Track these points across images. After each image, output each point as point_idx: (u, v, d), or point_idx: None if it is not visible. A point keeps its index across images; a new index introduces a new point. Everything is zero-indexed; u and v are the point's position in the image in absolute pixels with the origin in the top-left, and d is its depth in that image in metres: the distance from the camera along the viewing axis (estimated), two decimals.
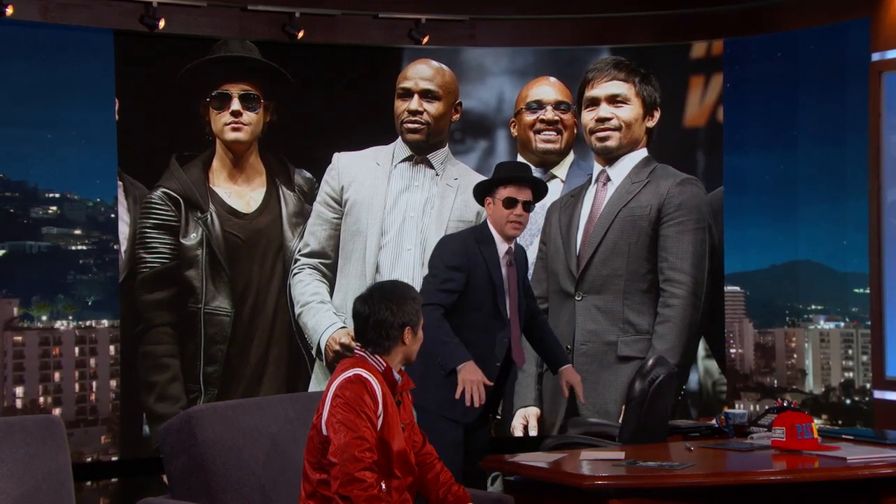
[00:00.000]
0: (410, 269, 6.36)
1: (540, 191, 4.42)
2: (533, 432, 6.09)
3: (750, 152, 6.43)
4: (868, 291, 6.08)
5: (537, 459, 3.66)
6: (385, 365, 3.34)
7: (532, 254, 6.23)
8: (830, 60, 6.32)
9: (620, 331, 5.45)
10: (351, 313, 3.47)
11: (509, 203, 4.26)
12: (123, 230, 6.23)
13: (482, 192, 4.37)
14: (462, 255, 4.26)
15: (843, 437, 4.00)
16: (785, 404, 4.10)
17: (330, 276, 6.46)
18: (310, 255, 6.46)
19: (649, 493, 3.37)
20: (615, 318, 5.44)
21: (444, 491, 3.39)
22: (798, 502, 3.59)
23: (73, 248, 6.30)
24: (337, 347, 6.24)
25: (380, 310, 3.35)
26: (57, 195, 6.28)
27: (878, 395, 5.97)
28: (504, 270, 4.31)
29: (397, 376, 3.37)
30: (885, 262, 5.95)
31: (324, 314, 6.36)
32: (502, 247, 4.32)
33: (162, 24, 6.08)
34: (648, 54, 6.39)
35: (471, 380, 3.92)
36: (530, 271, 6.31)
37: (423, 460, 3.45)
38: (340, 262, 6.44)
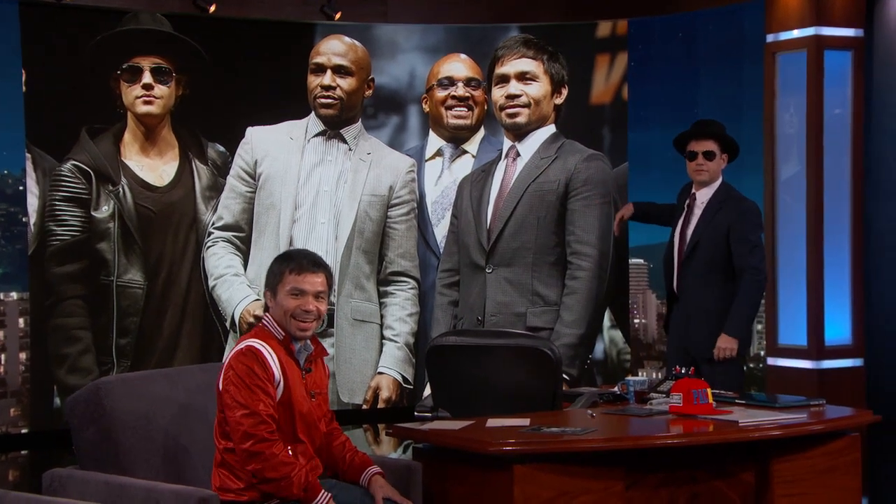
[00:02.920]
0: (324, 242, 6.42)
1: (721, 138, 5.01)
2: None
3: (653, 129, 6.60)
4: None
5: (445, 427, 3.71)
6: (283, 334, 3.35)
7: (444, 228, 6.34)
8: (728, 41, 6.51)
9: (529, 302, 5.53)
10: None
11: (690, 155, 5.00)
12: (32, 202, 6.18)
13: (679, 152, 5.09)
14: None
15: (737, 402, 4.08)
16: (682, 371, 4.23)
17: (244, 249, 6.47)
18: (223, 228, 6.47)
19: (552, 457, 3.43)
20: (524, 290, 5.52)
21: (350, 455, 3.46)
22: (693, 464, 3.68)
23: None
24: (251, 319, 6.27)
25: None
26: None
27: (770, 361, 6.19)
28: (685, 212, 5.05)
29: (297, 344, 3.37)
30: (779, 236, 6.16)
31: (238, 287, 6.39)
32: (692, 194, 5.05)
33: None
34: (556, 33, 6.51)
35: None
36: (440, 241, 6.41)
37: (328, 432, 3.49)
38: (254, 235, 6.46)
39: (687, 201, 5.06)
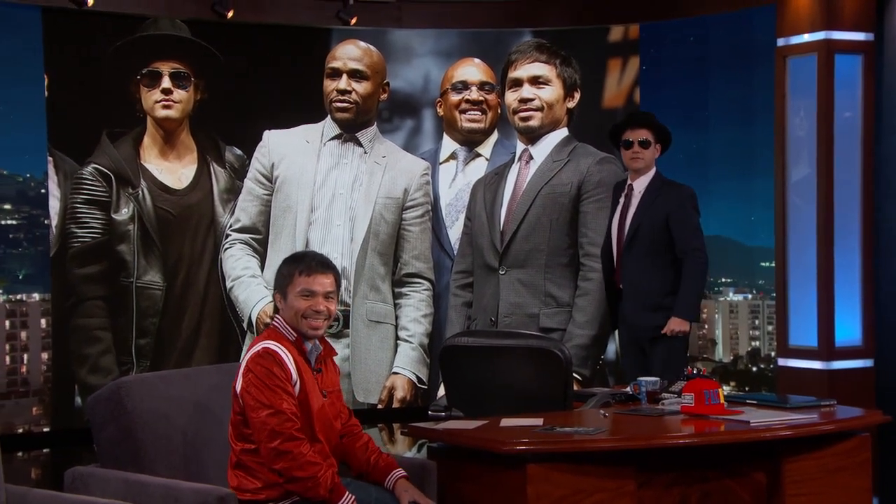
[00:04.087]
0: (340, 244, 6.49)
1: (655, 127, 5.10)
2: None
3: None
4: (773, 265, 6.34)
5: (459, 426, 3.74)
6: (295, 335, 3.39)
7: (457, 230, 6.40)
8: (739, 45, 6.53)
9: (542, 303, 5.58)
10: None
11: (626, 144, 5.08)
12: (54, 205, 6.26)
13: (614, 143, 5.18)
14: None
15: (748, 402, 4.10)
16: (694, 372, 4.27)
17: (261, 250, 6.55)
18: (241, 230, 6.55)
19: (565, 457, 3.47)
20: (537, 291, 5.58)
21: (375, 457, 3.50)
22: (705, 463, 3.71)
23: (3, 222, 6.31)
24: (267, 320, 6.33)
25: None
26: None
27: (781, 362, 6.21)
28: (622, 201, 5.13)
29: (308, 345, 3.41)
30: (790, 237, 6.17)
31: (255, 288, 6.46)
32: (628, 185, 5.13)
33: (91, 1, 6.09)
34: (569, 37, 6.57)
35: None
36: (454, 243, 6.47)
37: (350, 431, 3.55)
38: (271, 237, 6.54)
39: (624, 192, 5.13)
